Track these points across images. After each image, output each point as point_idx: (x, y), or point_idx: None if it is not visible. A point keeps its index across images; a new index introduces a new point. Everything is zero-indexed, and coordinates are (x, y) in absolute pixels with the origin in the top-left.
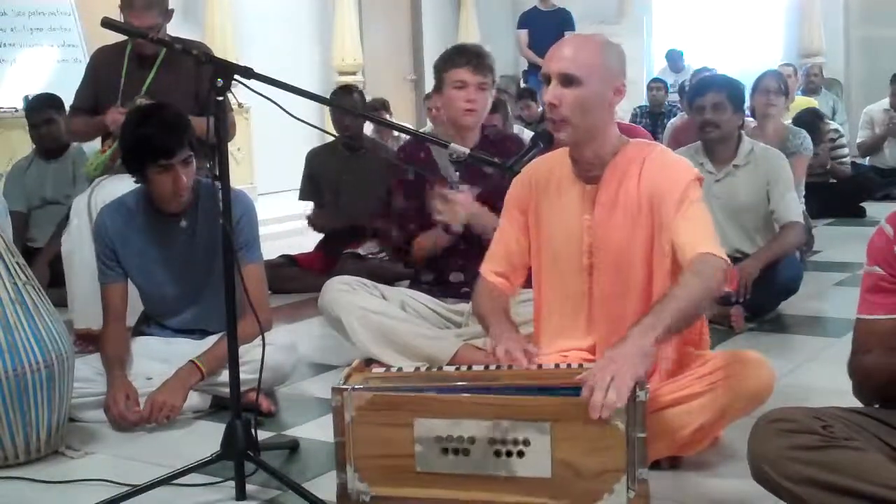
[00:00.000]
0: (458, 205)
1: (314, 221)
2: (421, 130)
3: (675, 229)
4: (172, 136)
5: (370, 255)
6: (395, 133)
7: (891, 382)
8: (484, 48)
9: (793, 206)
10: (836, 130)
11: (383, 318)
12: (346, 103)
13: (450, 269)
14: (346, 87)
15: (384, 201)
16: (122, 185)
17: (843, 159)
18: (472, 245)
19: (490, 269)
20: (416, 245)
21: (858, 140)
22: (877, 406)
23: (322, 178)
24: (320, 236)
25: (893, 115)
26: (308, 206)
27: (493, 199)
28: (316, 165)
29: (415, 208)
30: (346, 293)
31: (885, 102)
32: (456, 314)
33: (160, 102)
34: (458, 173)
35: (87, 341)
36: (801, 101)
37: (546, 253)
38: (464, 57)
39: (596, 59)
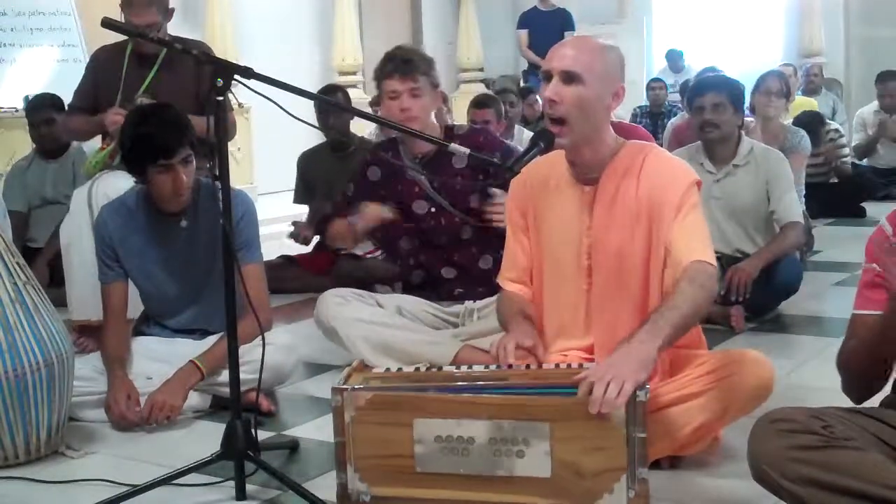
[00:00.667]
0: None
1: (297, 234)
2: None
3: (671, 235)
4: (172, 136)
5: (367, 255)
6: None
7: (863, 367)
8: (417, 51)
9: (793, 207)
10: (837, 130)
11: (380, 327)
12: (328, 104)
13: (439, 265)
14: (331, 87)
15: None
16: (124, 178)
17: (844, 159)
18: (458, 241)
19: (506, 277)
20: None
21: (853, 143)
22: (877, 406)
23: (313, 180)
24: (319, 236)
25: (883, 116)
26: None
27: (462, 193)
28: (306, 167)
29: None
30: (342, 306)
31: (876, 104)
32: (452, 316)
33: (160, 102)
34: (424, 172)
35: (85, 333)
36: (802, 102)
37: (545, 254)
38: (391, 65)
39: (597, 59)
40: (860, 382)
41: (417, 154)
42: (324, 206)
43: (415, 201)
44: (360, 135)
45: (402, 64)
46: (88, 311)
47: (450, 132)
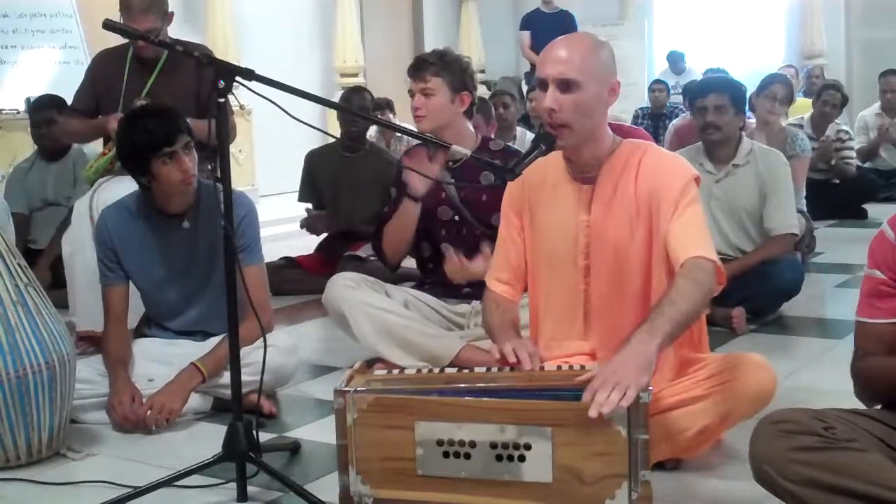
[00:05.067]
0: (469, 271)
1: (309, 222)
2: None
3: (670, 231)
4: (169, 124)
5: (371, 258)
6: (399, 133)
7: (893, 385)
8: (443, 52)
9: (789, 217)
10: (847, 132)
11: (387, 314)
12: (355, 104)
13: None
14: (357, 89)
15: (385, 204)
16: (124, 186)
17: (849, 160)
18: (476, 253)
19: (494, 277)
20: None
21: (856, 146)
22: (879, 408)
23: (320, 180)
24: (321, 238)
25: (884, 119)
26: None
27: (485, 208)
28: (315, 167)
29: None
30: (351, 289)
31: (878, 107)
32: (458, 315)
33: (150, 103)
34: (452, 179)
35: (90, 343)
36: (803, 103)
37: (542, 254)
38: (409, 68)
39: (591, 60)
40: (880, 399)
41: (448, 160)
42: (333, 204)
43: (440, 207)
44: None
45: (415, 65)
46: (92, 321)
47: (485, 143)
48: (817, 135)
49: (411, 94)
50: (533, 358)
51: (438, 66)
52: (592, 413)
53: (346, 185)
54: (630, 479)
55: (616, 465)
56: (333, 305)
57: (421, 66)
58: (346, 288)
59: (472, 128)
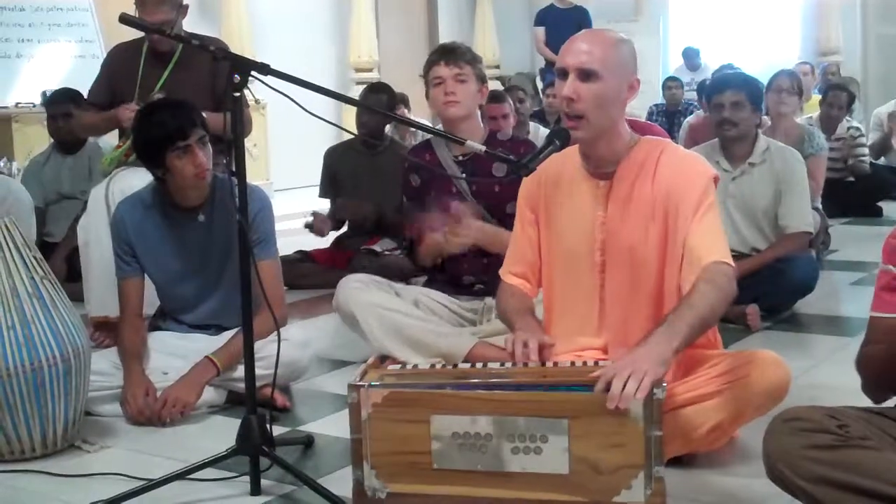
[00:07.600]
0: (465, 235)
1: (314, 224)
2: (436, 127)
3: (690, 234)
4: (183, 117)
5: (386, 252)
6: (414, 129)
7: (885, 370)
8: (463, 44)
9: (804, 215)
10: (858, 129)
11: (397, 314)
12: (370, 102)
13: (463, 273)
14: (375, 86)
15: (401, 200)
16: (139, 175)
17: (863, 157)
18: (485, 252)
19: (508, 270)
20: (421, 249)
21: (869, 142)
22: (892, 405)
23: (341, 176)
24: (337, 232)
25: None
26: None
27: (498, 199)
28: (334, 163)
29: (417, 212)
30: (361, 291)
31: (893, 104)
32: (470, 312)
33: (167, 97)
34: (463, 173)
35: (104, 330)
36: (818, 100)
37: (557, 250)
38: (437, 54)
39: (612, 53)
40: (879, 387)
41: (458, 154)
42: (352, 203)
43: (452, 202)
44: None
45: (448, 51)
46: (106, 308)
47: (493, 135)
48: (827, 135)
49: (439, 80)
50: (545, 348)
51: (469, 56)
52: (610, 405)
53: (366, 180)
54: (645, 472)
55: (632, 455)
56: (344, 308)
57: (456, 52)
58: (356, 290)
59: (481, 120)
